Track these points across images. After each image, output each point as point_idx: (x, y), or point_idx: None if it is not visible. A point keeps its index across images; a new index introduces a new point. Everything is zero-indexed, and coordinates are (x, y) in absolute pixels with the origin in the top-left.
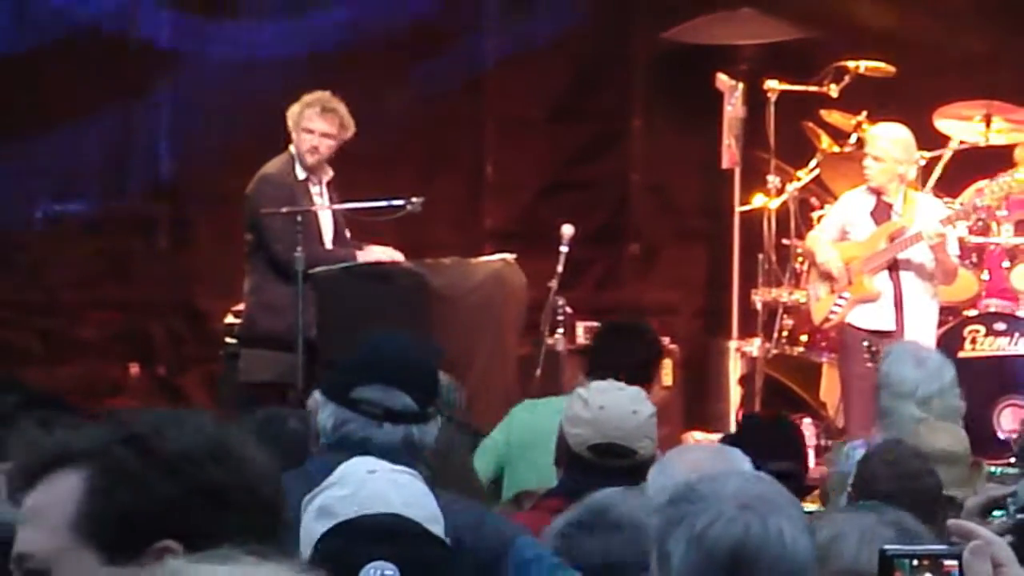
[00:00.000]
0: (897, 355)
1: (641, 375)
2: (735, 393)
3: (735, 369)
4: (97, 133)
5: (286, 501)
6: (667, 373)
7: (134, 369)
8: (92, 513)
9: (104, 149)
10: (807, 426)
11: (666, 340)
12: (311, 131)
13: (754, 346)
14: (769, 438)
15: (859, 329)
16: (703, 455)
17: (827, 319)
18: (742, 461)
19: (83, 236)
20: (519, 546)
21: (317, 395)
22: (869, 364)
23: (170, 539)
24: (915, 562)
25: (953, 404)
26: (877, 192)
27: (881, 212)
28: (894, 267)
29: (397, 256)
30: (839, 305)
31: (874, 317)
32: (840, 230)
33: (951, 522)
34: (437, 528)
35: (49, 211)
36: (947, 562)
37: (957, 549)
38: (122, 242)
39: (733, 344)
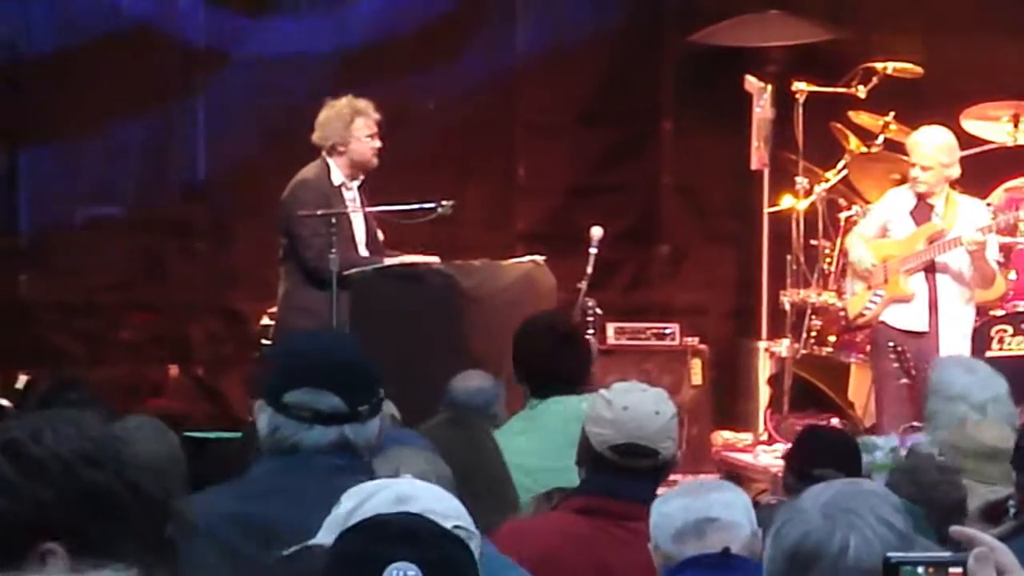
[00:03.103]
0: (947, 364)
1: None
2: (764, 393)
3: (764, 369)
4: (135, 136)
5: (172, 496)
6: (697, 373)
7: (173, 370)
8: None
9: (142, 152)
10: (837, 425)
11: (695, 340)
12: (372, 135)
13: (783, 346)
14: (825, 448)
15: (892, 328)
16: (697, 483)
17: (861, 315)
18: (728, 484)
19: (122, 238)
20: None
21: (259, 401)
22: (895, 365)
23: (52, 542)
24: (920, 569)
25: (1009, 411)
26: (921, 193)
27: (922, 212)
28: (931, 269)
29: (427, 259)
30: (873, 302)
31: (908, 317)
32: (881, 227)
33: (954, 528)
34: (464, 523)
35: (88, 213)
36: (952, 569)
37: (962, 556)
38: (160, 244)
39: (762, 344)
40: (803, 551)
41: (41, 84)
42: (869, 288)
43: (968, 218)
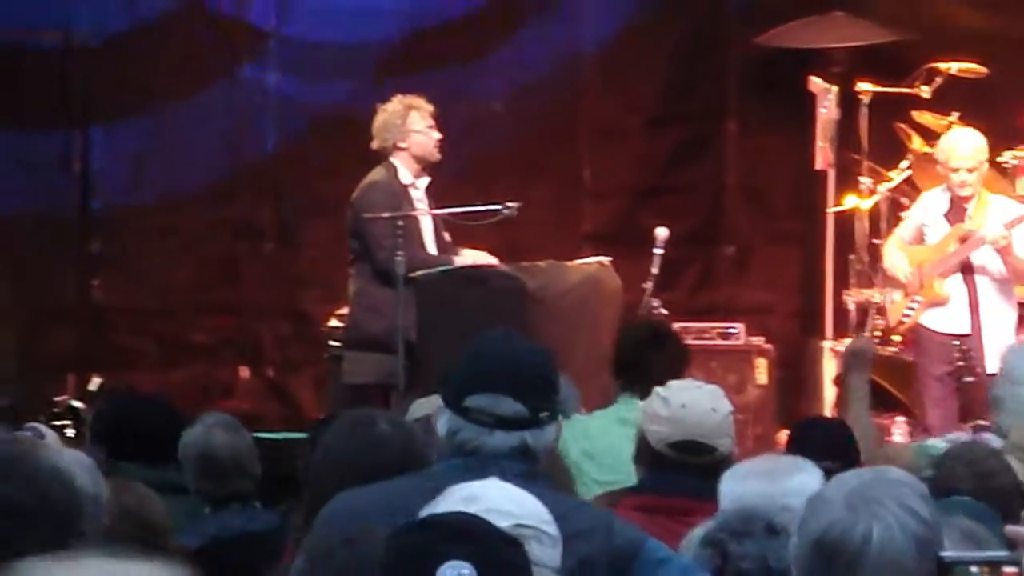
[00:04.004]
0: (1018, 351)
1: None
2: (829, 392)
3: (829, 369)
4: (206, 139)
5: (78, 501)
6: (762, 372)
7: (243, 372)
8: None
9: (213, 157)
10: (899, 424)
11: (760, 340)
12: (430, 127)
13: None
14: (819, 438)
15: (933, 331)
16: (769, 457)
17: (900, 322)
18: (806, 463)
19: (193, 243)
20: (649, 548)
21: (439, 402)
22: (961, 363)
23: None
24: (974, 568)
25: None
26: (961, 196)
27: (955, 213)
28: (967, 270)
29: (491, 260)
30: (911, 308)
31: (949, 320)
32: (917, 231)
33: (1008, 528)
34: (533, 522)
35: (160, 219)
36: (1007, 568)
37: (1017, 555)
38: (231, 248)
39: (827, 344)
40: (827, 541)
41: (103, 74)
42: (907, 295)
43: (997, 215)
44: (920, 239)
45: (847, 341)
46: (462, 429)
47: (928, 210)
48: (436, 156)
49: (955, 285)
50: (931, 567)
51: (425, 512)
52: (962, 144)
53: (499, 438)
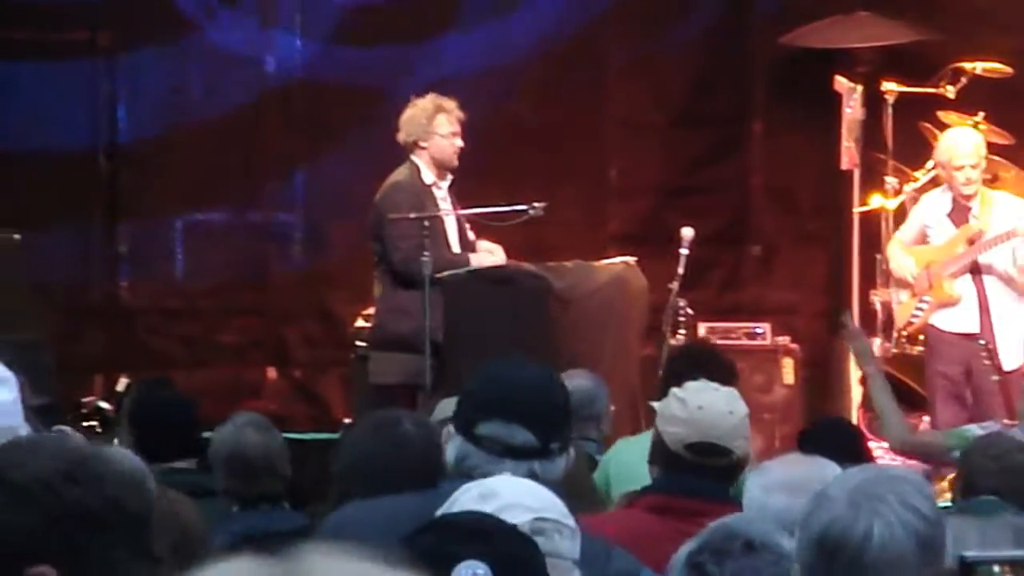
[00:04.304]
0: None
1: None
2: (856, 392)
3: (856, 368)
4: (231, 142)
5: (152, 505)
6: (788, 372)
7: (271, 372)
8: None
9: (239, 159)
10: (927, 424)
11: (787, 340)
12: (454, 133)
13: (874, 345)
14: (829, 439)
15: (943, 332)
16: (798, 463)
17: (909, 323)
18: (832, 470)
19: (221, 244)
20: None
21: (449, 427)
22: (987, 362)
23: (43, 564)
24: (996, 568)
25: None
26: (964, 194)
27: (959, 213)
28: (976, 271)
29: (500, 254)
30: (920, 309)
31: (959, 320)
32: (920, 231)
33: None
34: (553, 515)
35: (189, 220)
36: None
37: None
38: (258, 249)
39: None
40: (829, 538)
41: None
42: (914, 296)
43: (1005, 214)
44: (923, 240)
45: (874, 341)
46: (471, 456)
47: (930, 211)
48: (453, 163)
49: (964, 285)
50: (934, 565)
51: (442, 511)
52: (963, 142)
53: (508, 467)
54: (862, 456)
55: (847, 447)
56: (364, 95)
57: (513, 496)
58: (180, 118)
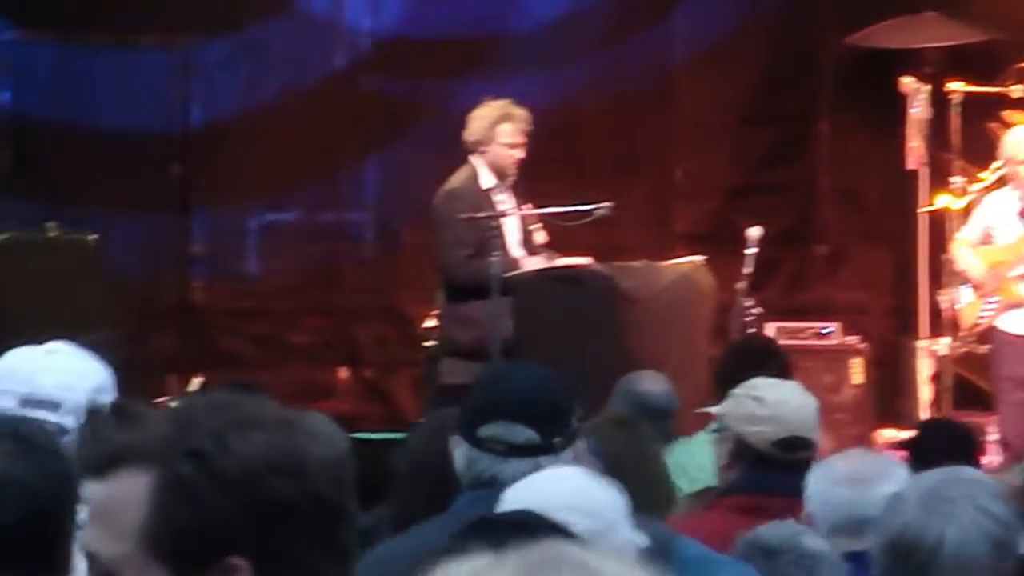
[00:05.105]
0: None
1: None
2: (925, 391)
3: (925, 368)
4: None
5: (347, 491)
6: (857, 372)
7: (342, 373)
8: (153, 527)
9: (312, 159)
10: (994, 423)
11: (856, 339)
12: (515, 144)
13: (943, 345)
14: (942, 440)
15: (1009, 335)
16: (860, 458)
17: (976, 324)
18: (896, 467)
19: (293, 245)
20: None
21: (455, 436)
22: None
23: (236, 555)
24: None
25: None
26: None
27: None
28: None
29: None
30: (987, 310)
31: None
32: (985, 231)
33: None
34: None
35: (262, 221)
36: None
37: None
38: (330, 250)
39: (922, 343)
40: (902, 542)
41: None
42: (981, 296)
43: None
44: (987, 241)
45: (943, 340)
46: (477, 460)
47: (997, 210)
48: (511, 172)
49: None
50: (1009, 568)
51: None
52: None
53: (514, 466)
54: (972, 457)
55: (959, 450)
56: (461, 45)
57: (563, 499)
58: (254, 99)
